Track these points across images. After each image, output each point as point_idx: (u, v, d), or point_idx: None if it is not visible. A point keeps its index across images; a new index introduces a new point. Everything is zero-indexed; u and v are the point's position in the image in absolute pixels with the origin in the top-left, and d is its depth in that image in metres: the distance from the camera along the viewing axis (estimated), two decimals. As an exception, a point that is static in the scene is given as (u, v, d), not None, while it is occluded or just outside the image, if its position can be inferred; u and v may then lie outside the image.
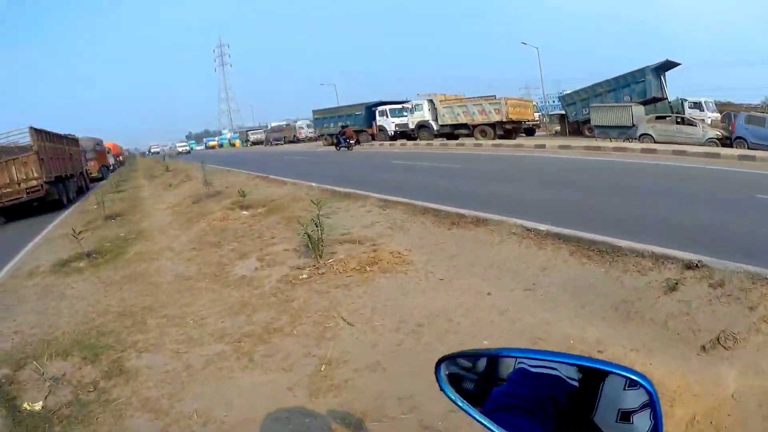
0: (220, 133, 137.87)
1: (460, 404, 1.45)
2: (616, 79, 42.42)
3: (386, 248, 8.48)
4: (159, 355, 5.99)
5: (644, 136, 32.15)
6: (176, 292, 8.20)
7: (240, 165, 33.61)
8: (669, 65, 42.00)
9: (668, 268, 6.34)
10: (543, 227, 8.22)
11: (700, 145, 28.28)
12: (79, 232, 11.29)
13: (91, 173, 45.31)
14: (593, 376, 1.36)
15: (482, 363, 1.57)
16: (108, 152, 63.56)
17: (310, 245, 8.46)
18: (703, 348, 4.85)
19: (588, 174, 18.41)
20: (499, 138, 41.22)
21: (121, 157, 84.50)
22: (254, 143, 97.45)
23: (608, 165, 21.46)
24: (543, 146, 31.54)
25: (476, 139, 42.02)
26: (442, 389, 1.48)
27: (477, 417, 1.40)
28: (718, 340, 4.89)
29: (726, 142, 29.24)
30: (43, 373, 5.62)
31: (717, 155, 23.19)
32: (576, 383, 1.37)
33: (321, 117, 60.68)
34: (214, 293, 7.80)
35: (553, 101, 59.92)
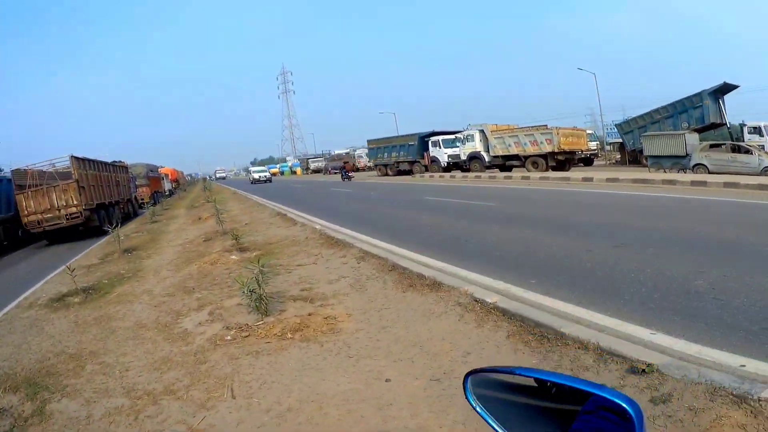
0: (284, 160, 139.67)
1: (481, 413, 1.61)
2: (673, 104, 40.52)
3: (327, 311, 8.16)
4: (74, 401, 6.19)
5: (698, 167, 30.06)
6: (124, 339, 8.32)
7: (278, 197, 34.51)
8: (727, 88, 39.77)
9: (610, 369, 5.35)
10: (491, 299, 7.61)
11: (756, 175, 26.25)
12: (89, 266, 12.32)
13: (142, 199, 46.02)
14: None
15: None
16: (163, 178, 64.22)
17: (253, 302, 8.30)
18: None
19: (619, 215, 16.96)
20: (552, 169, 39.82)
21: (179, 183, 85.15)
22: (314, 171, 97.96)
23: (648, 202, 19.79)
24: (591, 179, 29.62)
25: (527, 170, 40.83)
26: (467, 398, 1.65)
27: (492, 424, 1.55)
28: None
29: (785, 170, 26.95)
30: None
31: None
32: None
33: (375, 147, 60.18)
34: (152, 345, 7.80)
35: (613, 129, 57.64)
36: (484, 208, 20.66)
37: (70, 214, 25.20)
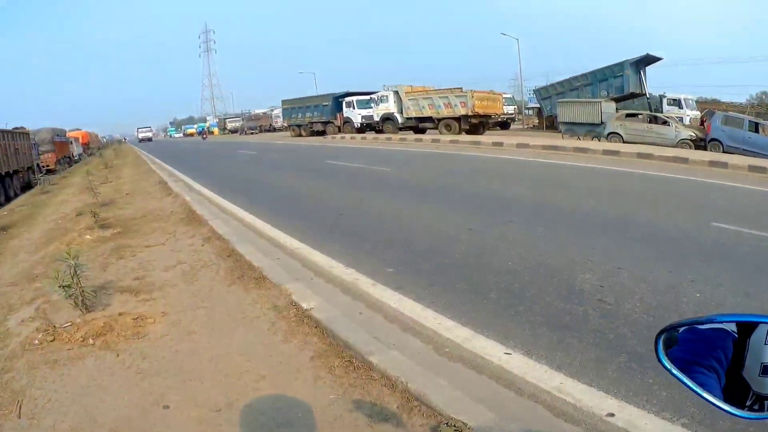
0: (204, 120, 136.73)
1: (677, 375, 1.45)
2: (593, 72, 40.31)
3: (143, 309, 7.15)
4: None
5: (612, 135, 29.72)
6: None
7: (177, 161, 33.49)
8: (650, 60, 39.72)
9: (413, 423, 4.17)
10: (307, 304, 6.51)
11: (672, 147, 26.13)
12: None
13: (46, 166, 43.80)
14: (745, 331, 1.38)
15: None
16: (72, 143, 61.71)
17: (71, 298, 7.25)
18: None
19: (518, 185, 16.05)
20: (466, 132, 39.05)
21: (92, 147, 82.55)
22: (231, 131, 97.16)
23: (553, 171, 19.16)
24: (501, 144, 28.95)
25: (440, 133, 39.92)
26: (660, 360, 1.48)
27: (690, 385, 1.42)
28: None
29: (701, 144, 26.98)
30: None
31: (685, 160, 20.62)
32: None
33: (289, 107, 58.60)
34: None
35: (531, 94, 57.41)
36: (379, 174, 19.89)
37: None
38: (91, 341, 6.31)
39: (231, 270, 8.41)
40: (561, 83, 42.93)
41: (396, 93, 45.22)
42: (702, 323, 1.48)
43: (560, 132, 34.90)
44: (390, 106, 45.52)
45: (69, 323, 6.82)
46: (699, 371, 1.40)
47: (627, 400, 4.20)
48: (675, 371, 1.45)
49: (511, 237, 9.35)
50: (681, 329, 1.48)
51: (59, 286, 7.11)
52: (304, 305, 6.45)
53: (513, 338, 5.41)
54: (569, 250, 8.36)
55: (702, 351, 1.42)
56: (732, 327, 1.38)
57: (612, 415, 3.98)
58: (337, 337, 5.54)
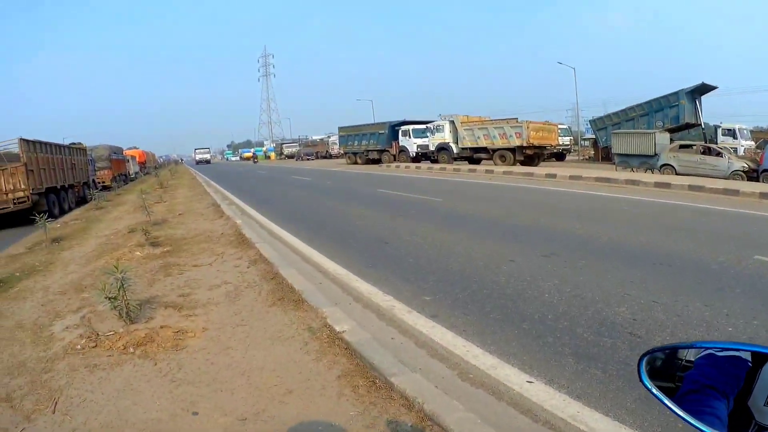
0: (262, 144, 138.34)
1: (657, 394, 1.54)
2: (649, 102, 39.87)
3: (185, 324, 7.51)
4: None
5: (665, 167, 29.29)
6: (-3, 339, 7.73)
7: (232, 184, 34.89)
8: (705, 89, 39.16)
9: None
10: (340, 327, 6.70)
11: (725, 178, 25.59)
12: (15, 255, 12.28)
13: (102, 182, 44.92)
14: (760, 360, 1.43)
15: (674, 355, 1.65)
16: (128, 161, 63.10)
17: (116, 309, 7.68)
18: None
19: (566, 217, 15.99)
20: (521, 163, 39.09)
21: (148, 166, 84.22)
22: (288, 157, 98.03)
23: (603, 203, 18.97)
24: (554, 176, 28.90)
25: (494, 163, 39.98)
26: (642, 381, 1.57)
27: (669, 405, 1.49)
28: None
29: (753, 175, 26.28)
30: None
31: (736, 192, 19.99)
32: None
33: (346, 134, 59.24)
34: (19, 348, 7.22)
35: (587, 125, 56.94)
36: (430, 204, 19.86)
37: (18, 199, 24.12)
38: (131, 350, 6.66)
39: (272, 292, 8.63)
40: (617, 114, 42.54)
41: (452, 123, 45.37)
42: (683, 348, 1.64)
43: (614, 163, 34.44)
44: (445, 136, 45.65)
45: (112, 332, 7.21)
46: (710, 394, 1.45)
47: (642, 430, 4.24)
48: (655, 391, 1.55)
49: (552, 269, 9.33)
50: (700, 353, 1.56)
51: (105, 297, 7.49)
52: (338, 328, 6.62)
53: (538, 367, 5.47)
54: (607, 283, 8.31)
55: (715, 376, 1.46)
56: (747, 355, 1.44)
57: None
58: (365, 359, 5.69)
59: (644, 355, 1.62)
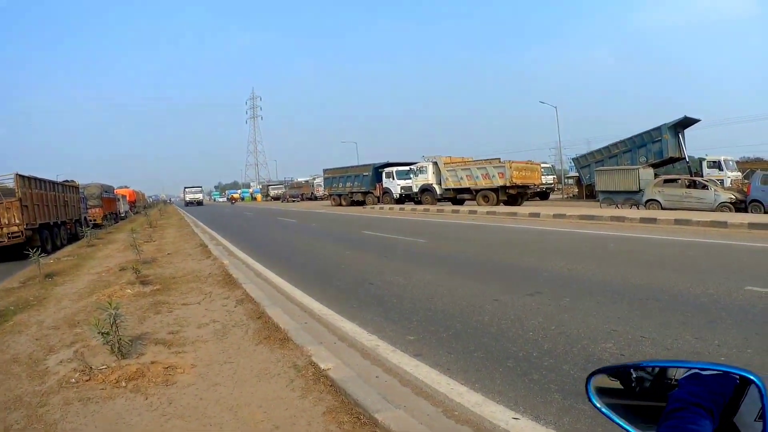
0: (248, 185, 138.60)
1: (605, 412, 1.62)
2: (631, 138, 40.44)
3: (174, 360, 7.65)
4: None
5: (651, 202, 29.56)
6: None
7: (219, 225, 35.70)
8: (687, 122, 39.70)
9: None
10: (325, 365, 6.76)
11: (712, 211, 25.78)
12: (8, 289, 12.62)
13: (94, 220, 45.18)
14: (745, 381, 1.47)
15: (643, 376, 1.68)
16: (119, 200, 63.35)
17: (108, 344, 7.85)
18: None
19: (550, 256, 15.96)
20: (504, 203, 39.43)
21: (138, 205, 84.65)
22: (274, 198, 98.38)
23: (587, 241, 19.11)
24: (537, 215, 29.16)
25: (478, 204, 40.27)
26: (590, 400, 1.65)
27: (618, 422, 1.58)
28: None
29: (741, 206, 26.57)
30: None
31: (724, 224, 20.20)
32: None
33: (330, 176, 60.05)
34: (15, 382, 7.31)
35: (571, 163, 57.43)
36: (413, 245, 20.06)
37: (12, 233, 24.45)
38: (123, 384, 6.77)
39: (259, 330, 8.72)
40: (599, 151, 43.10)
41: (435, 164, 45.83)
42: (630, 368, 1.68)
43: (599, 201, 34.68)
44: (429, 177, 46.11)
45: (104, 366, 7.33)
46: (696, 411, 1.46)
47: None
48: (604, 410, 1.61)
49: (536, 307, 9.39)
50: (685, 372, 1.58)
51: (98, 332, 7.65)
52: (322, 366, 6.67)
53: (524, 404, 5.48)
54: (593, 320, 8.36)
55: (700, 393, 1.48)
56: (735, 375, 1.47)
57: None
58: (349, 396, 5.73)
59: (591, 375, 1.69)
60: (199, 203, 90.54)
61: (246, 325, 9.18)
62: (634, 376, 1.68)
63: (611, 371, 1.73)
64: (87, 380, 7.01)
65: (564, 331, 7.89)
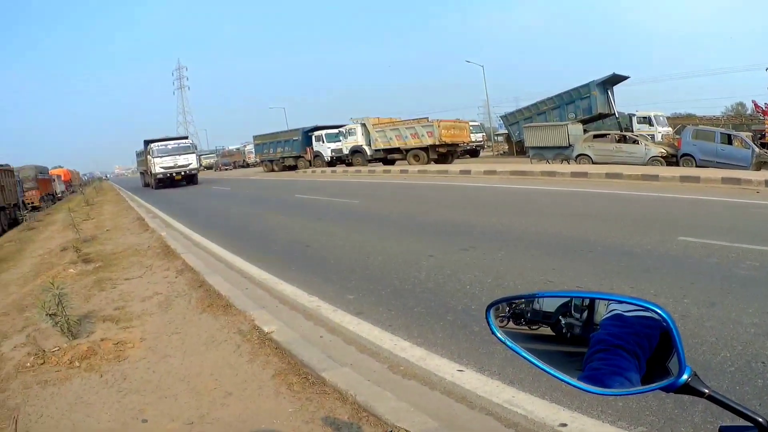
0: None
1: (504, 341, 1.61)
2: (560, 95, 40.74)
3: (123, 335, 7.64)
4: None
5: (581, 156, 29.96)
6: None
7: (154, 197, 35.14)
8: (616, 79, 40.40)
9: (364, 430, 4.49)
10: (268, 328, 6.88)
11: (643, 165, 26.32)
12: None
13: (31, 203, 44.17)
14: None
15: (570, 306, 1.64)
16: (54, 180, 61.91)
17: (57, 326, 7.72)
18: None
19: (482, 211, 16.44)
20: (435, 162, 39.65)
21: (74, 184, 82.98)
22: (206, 168, 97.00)
23: (519, 196, 19.59)
24: (468, 172, 29.46)
25: (408, 163, 40.51)
26: (492, 332, 1.63)
27: (518, 351, 1.59)
28: None
29: (673, 160, 27.15)
30: None
31: (656, 177, 20.41)
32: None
33: (261, 143, 59.29)
34: None
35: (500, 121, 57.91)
36: (346, 206, 20.28)
37: None
38: (77, 364, 6.75)
39: (201, 299, 8.79)
40: (528, 108, 43.43)
41: (363, 126, 45.74)
42: (527, 298, 1.65)
43: (529, 157, 35.12)
44: (358, 139, 46.03)
45: (57, 348, 7.26)
46: (618, 353, 1.43)
47: (581, 411, 4.30)
48: (509, 343, 1.58)
49: (471, 261, 9.60)
50: (606, 314, 1.52)
51: (46, 314, 7.55)
52: (266, 329, 6.80)
53: (467, 356, 5.64)
54: (529, 272, 8.63)
55: (622, 335, 1.45)
56: (657, 314, 1.41)
57: (564, 425, 4.09)
58: (295, 357, 5.88)
59: (490, 306, 1.64)
60: (190, 177, 51.66)
61: (188, 295, 9.23)
62: (528, 307, 1.66)
63: (505, 302, 1.67)
64: (42, 363, 7.01)
65: (501, 284, 8.12)
